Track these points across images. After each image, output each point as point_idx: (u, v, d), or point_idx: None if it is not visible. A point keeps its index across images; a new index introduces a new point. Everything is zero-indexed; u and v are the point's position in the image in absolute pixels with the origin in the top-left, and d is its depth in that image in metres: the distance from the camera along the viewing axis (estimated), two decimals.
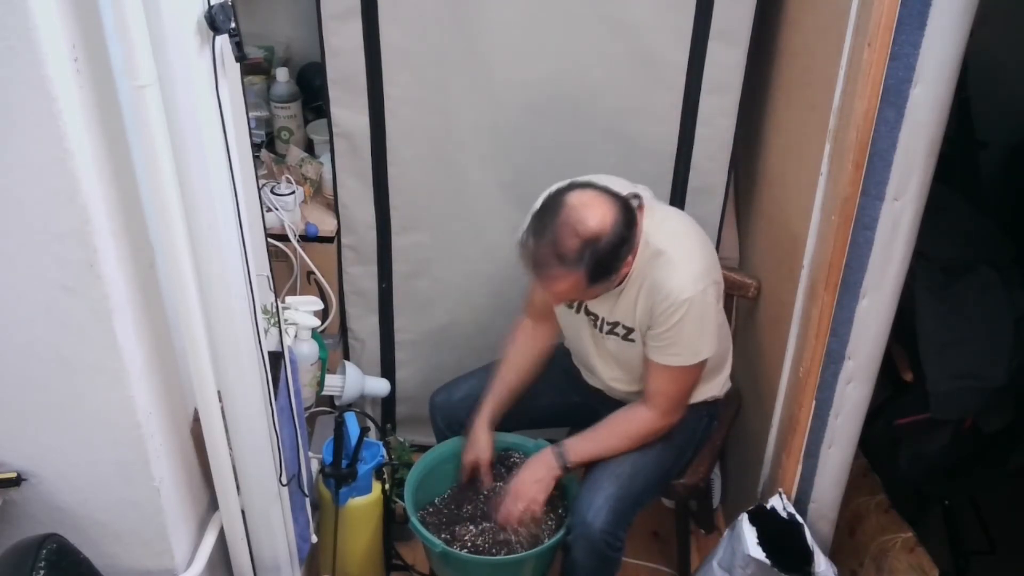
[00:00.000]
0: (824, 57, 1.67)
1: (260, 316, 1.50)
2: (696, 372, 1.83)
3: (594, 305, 1.86)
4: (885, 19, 1.41)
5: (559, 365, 2.09)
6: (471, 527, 1.95)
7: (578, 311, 1.90)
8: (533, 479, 1.85)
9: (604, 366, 1.95)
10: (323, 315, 2.13)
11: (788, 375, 1.87)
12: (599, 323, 1.87)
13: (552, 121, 2.09)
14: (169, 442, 1.51)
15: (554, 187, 1.73)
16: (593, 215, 1.62)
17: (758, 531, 1.79)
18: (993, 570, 2.30)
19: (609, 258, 1.64)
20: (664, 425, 1.86)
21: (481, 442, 1.96)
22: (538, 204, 1.72)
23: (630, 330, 1.82)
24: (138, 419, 1.40)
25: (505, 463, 2.03)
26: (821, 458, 1.81)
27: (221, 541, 1.70)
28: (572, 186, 1.68)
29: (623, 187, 1.75)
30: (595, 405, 1.99)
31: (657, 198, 1.88)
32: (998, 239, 2.21)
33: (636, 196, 1.75)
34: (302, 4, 2.35)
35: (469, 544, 1.92)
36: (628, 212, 1.67)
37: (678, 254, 1.73)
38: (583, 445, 1.88)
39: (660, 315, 1.73)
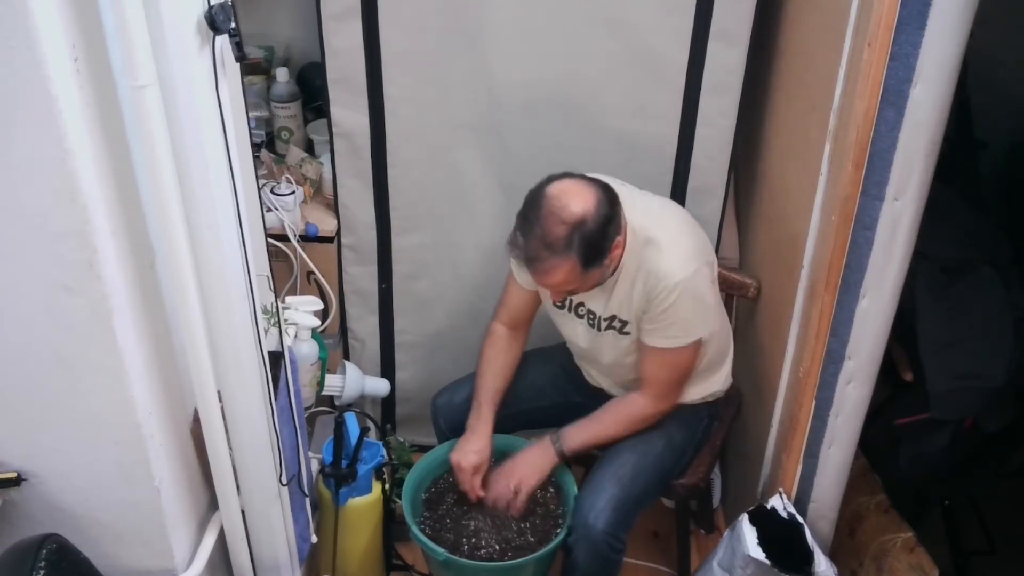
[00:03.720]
0: (824, 57, 1.67)
1: (260, 316, 1.50)
2: (690, 355, 1.83)
3: (589, 302, 1.86)
4: (885, 19, 1.41)
5: (559, 365, 2.09)
6: (470, 522, 1.95)
7: (569, 310, 1.90)
8: (527, 462, 1.87)
9: (597, 369, 1.97)
10: (323, 315, 2.13)
11: (788, 375, 1.87)
12: (596, 321, 1.87)
13: (552, 121, 2.09)
14: (169, 442, 1.51)
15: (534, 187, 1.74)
16: (574, 200, 1.63)
17: (758, 531, 1.79)
18: (993, 570, 2.30)
19: (598, 238, 1.65)
20: (659, 411, 1.88)
21: (486, 449, 1.94)
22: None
23: (625, 323, 1.83)
24: (138, 419, 1.40)
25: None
26: (821, 458, 1.81)
27: (221, 541, 1.70)
28: (549, 179, 1.70)
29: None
30: (596, 405, 1.99)
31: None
32: (998, 239, 2.20)
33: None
34: (302, 4, 2.35)
35: (472, 541, 1.92)
36: (608, 191, 1.68)
37: (666, 239, 1.75)
38: (579, 433, 1.90)
39: (655, 299, 1.75)
